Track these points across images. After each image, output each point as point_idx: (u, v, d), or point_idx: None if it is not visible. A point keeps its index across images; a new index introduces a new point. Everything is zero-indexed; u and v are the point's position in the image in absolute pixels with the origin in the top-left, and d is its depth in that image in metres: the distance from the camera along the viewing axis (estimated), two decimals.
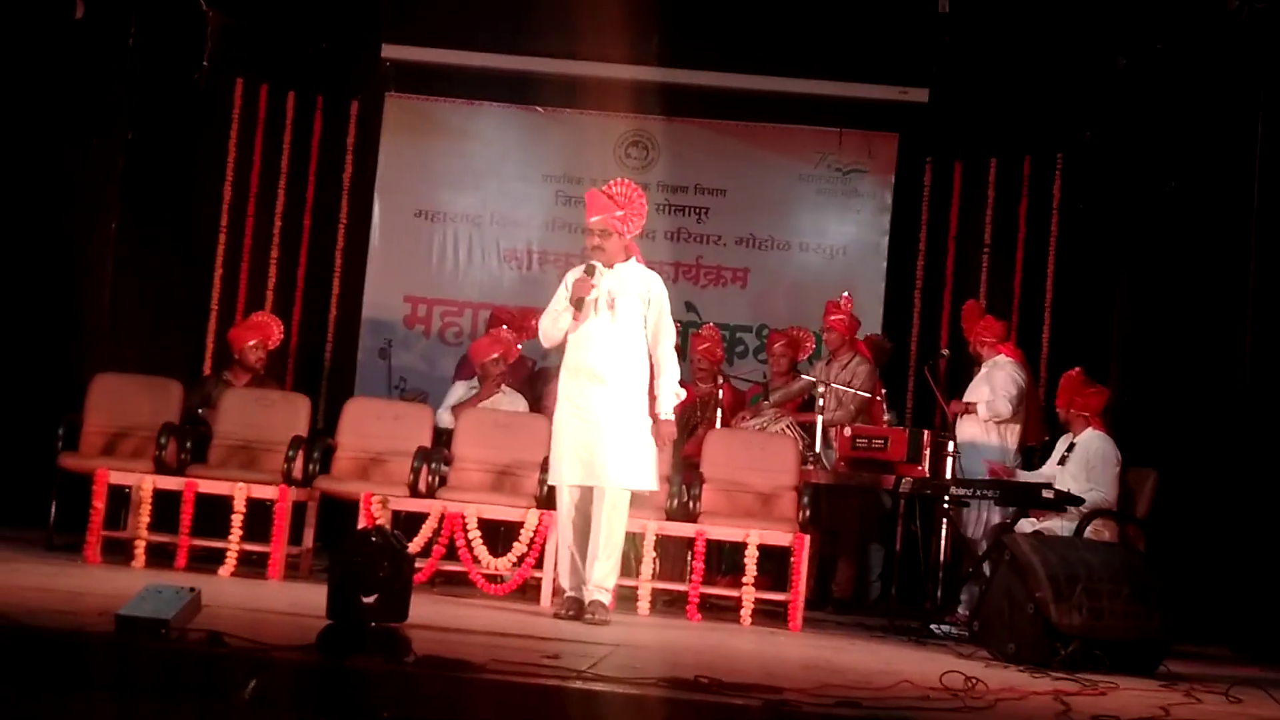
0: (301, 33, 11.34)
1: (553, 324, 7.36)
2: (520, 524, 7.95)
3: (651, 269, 7.63)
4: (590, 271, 7.31)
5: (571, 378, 7.31)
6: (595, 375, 7.25)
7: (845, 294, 9.78)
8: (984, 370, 9.27)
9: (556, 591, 7.88)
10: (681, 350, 10.58)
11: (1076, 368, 8.77)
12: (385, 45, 11.20)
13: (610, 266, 7.34)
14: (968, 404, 9.10)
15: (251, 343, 9.73)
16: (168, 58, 10.73)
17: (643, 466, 7.23)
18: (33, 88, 10.15)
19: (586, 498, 7.24)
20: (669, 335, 7.41)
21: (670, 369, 7.38)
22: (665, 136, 11.48)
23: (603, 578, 7.16)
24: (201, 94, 11.02)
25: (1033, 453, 9.55)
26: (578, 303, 7.25)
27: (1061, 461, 8.55)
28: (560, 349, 7.46)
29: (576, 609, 7.11)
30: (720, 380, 9.65)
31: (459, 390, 9.66)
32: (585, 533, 7.22)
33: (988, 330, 9.21)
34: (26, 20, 10.12)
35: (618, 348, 7.29)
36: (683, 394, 7.53)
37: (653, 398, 7.34)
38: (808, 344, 10.10)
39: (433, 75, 11.44)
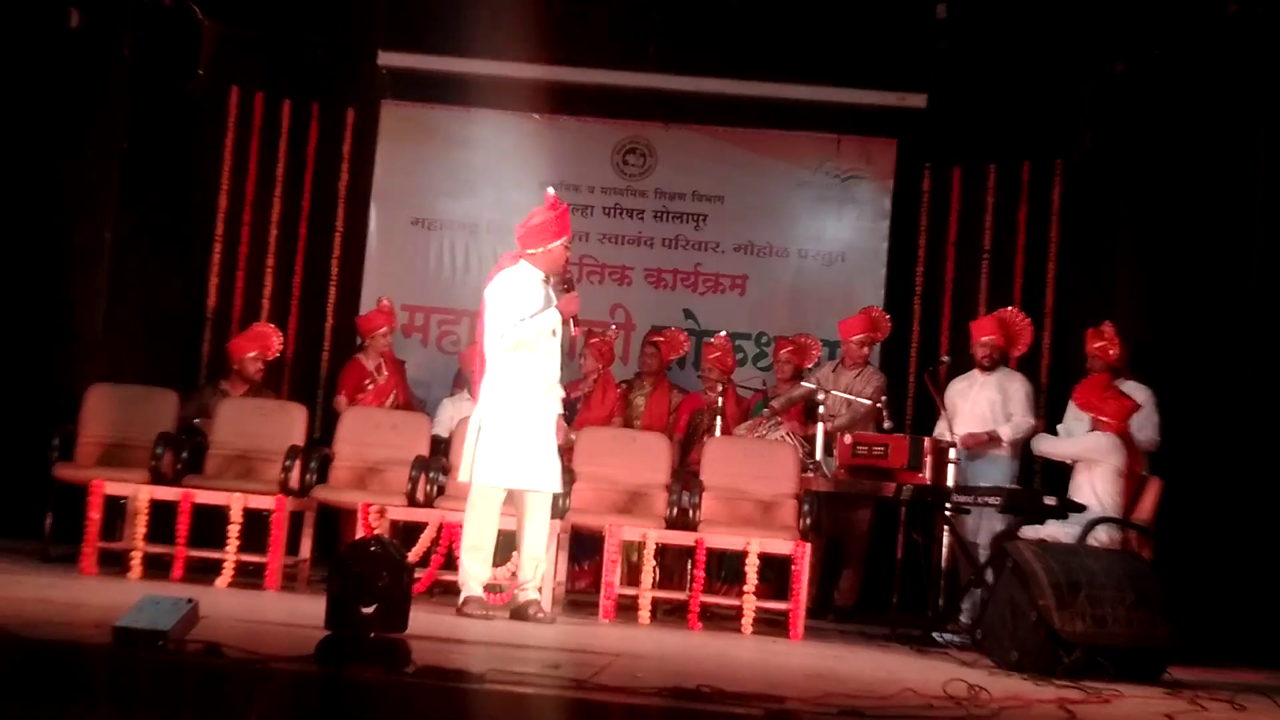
0: (297, 41, 11.31)
1: (534, 329, 7.35)
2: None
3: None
4: (570, 286, 7.47)
5: (531, 386, 7.38)
6: (553, 386, 7.47)
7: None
8: (986, 379, 9.23)
9: (555, 600, 7.89)
10: (683, 360, 10.65)
11: (1103, 374, 8.73)
12: (381, 52, 11.16)
13: None
14: (989, 434, 9.07)
15: (252, 354, 9.75)
16: (163, 67, 10.71)
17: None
18: (27, 97, 10.12)
19: (508, 499, 7.41)
20: None
21: None
22: (662, 143, 11.45)
23: (537, 577, 7.40)
24: (197, 103, 11.00)
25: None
26: (574, 318, 7.46)
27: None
28: None
29: (484, 609, 7.25)
30: (721, 389, 9.62)
31: (457, 409, 9.62)
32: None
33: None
34: (20, 30, 10.08)
35: (562, 361, 7.58)
36: None
37: None
38: (814, 351, 10.09)
39: (429, 82, 11.38)
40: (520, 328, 7.32)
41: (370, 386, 9.92)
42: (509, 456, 7.28)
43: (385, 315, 10.10)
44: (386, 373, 9.99)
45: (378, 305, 10.31)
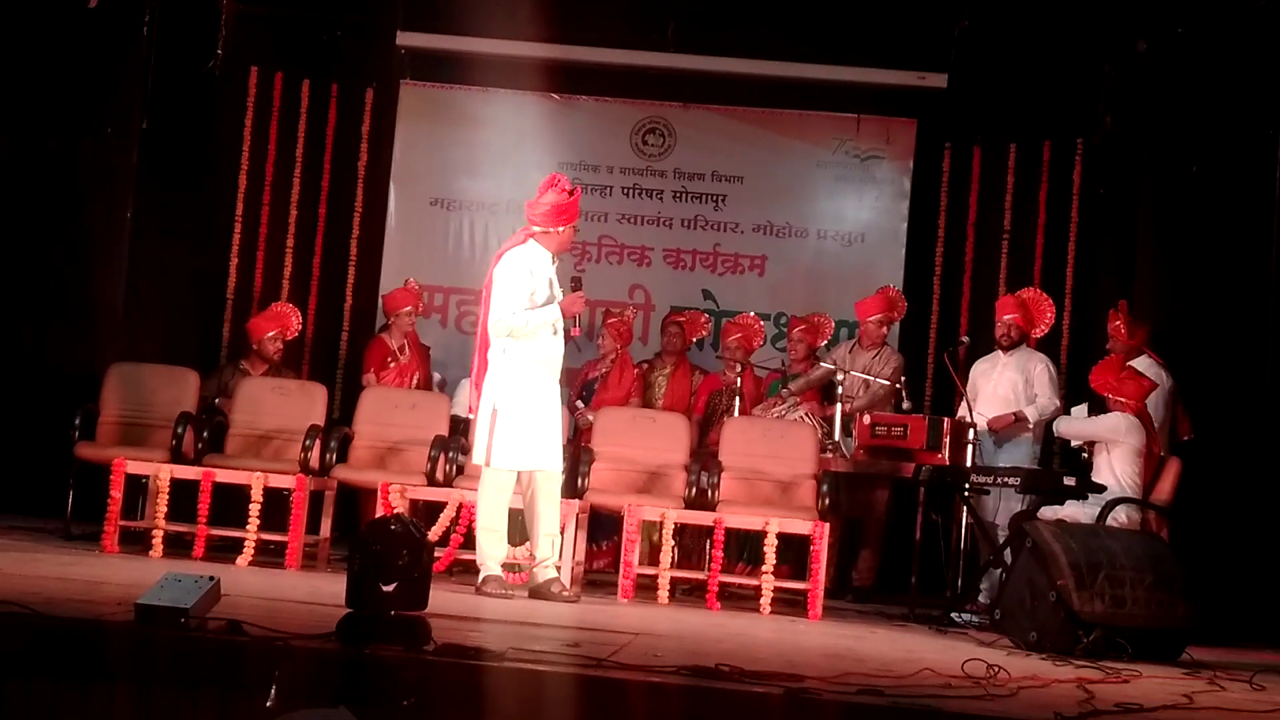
0: (316, 21, 11.31)
1: (534, 322, 7.38)
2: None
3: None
4: (578, 286, 7.54)
5: (540, 368, 7.43)
6: (557, 367, 7.54)
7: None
8: (1009, 359, 9.19)
9: (574, 579, 7.90)
10: (701, 341, 10.64)
11: (1119, 355, 8.69)
12: (400, 33, 11.14)
13: None
14: (1016, 415, 9.03)
15: (271, 333, 9.77)
16: (182, 47, 10.73)
17: None
18: (47, 78, 10.15)
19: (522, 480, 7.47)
20: None
21: None
22: (681, 123, 11.43)
23: (555, 554, 7.46)
24: (216, 83, 11.02)
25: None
26: (574, 319, 7.55)
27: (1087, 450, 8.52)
28: None
29: (503, 587, 7.31)
30: (740, 369, 9.62)
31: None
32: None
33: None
34: (40, 10, 10.11)
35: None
36: None
37: None
38: (826, 330, 10.08)
39: (448, 62, 11.39)
40: (520, 317, 7.35)
41: (393, 365, 9.93)
42: (521, 439, 7.33)
43: (411, 295, 10.10)
44: (409, 353, 10.00)
45: (404, 285, 10.30)
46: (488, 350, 7.47)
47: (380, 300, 10.58)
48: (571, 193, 7.50)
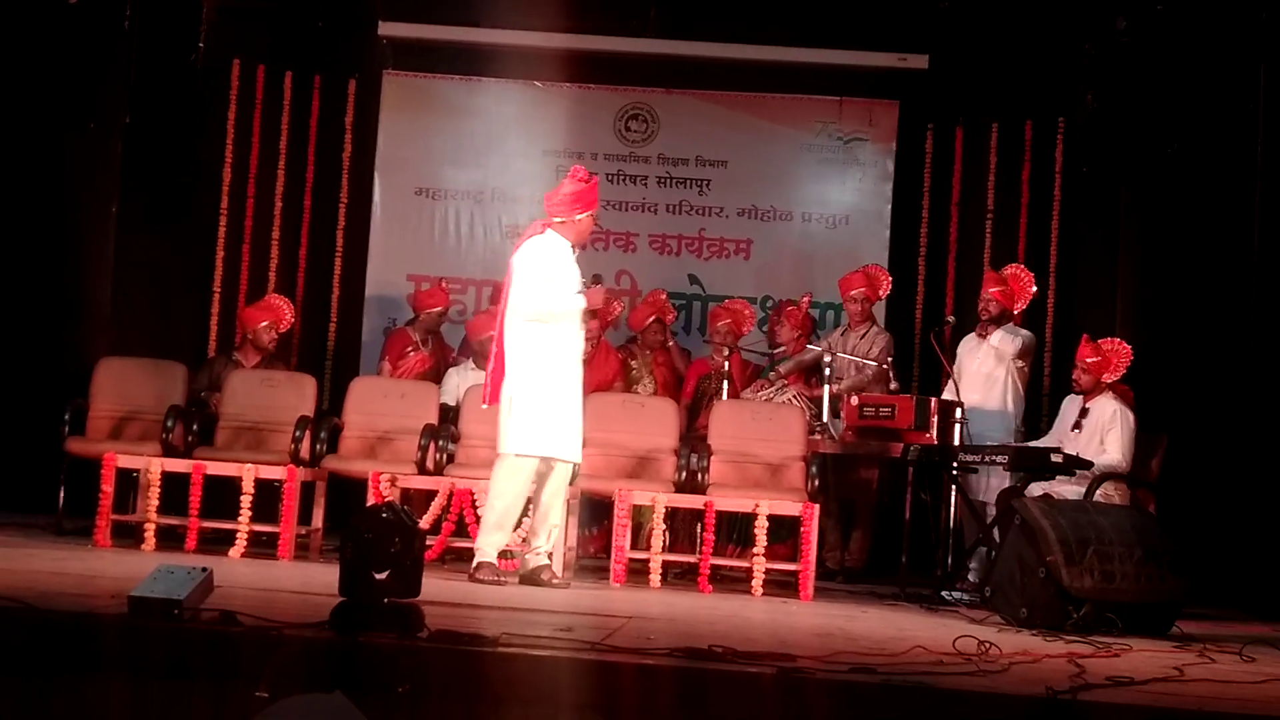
0: (297, 12, 11.29)
1: (558, 310, 7.41)
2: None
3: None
4: (598, 280, 7.57)
5: (558, 357, 7.43)
6: (577, 356, 7.55)
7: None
8: (990, 335, 9.21)
9: (566, 565, 7.93)
10: (687, 324, 10.65)
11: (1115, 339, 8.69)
12: (382, 23, 11.12)
13: None
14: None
15: (265, 323, 9.78)
16: (163, 41, 10.71)
17: None
18: (29, 74, 10.14)
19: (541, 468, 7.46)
20: None
21: None
22: (665, 109, 11.42)
23: (549, 543, 7.50)
24: (198, 76, 11.00)
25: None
26: (592, 313, 7.64)
27: (1076, 427, 8.52)
28: None
29: (496, 574, 7.31)
30: (728, 353, 9.62)
31: (460, 378, 9.62)
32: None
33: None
34: (21, 6, 10.09)
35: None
36: None
37: None
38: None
39: (430, 52, 11.37)
40: (546, 303, 7.38)
41: (412, 353, 9.97)
42: (540, 426, 7.34)
43: (443, 295, 10.19)
44: (431, 346, 10.05)
45: (439, 285, 10.38)
46: (504, 342, 7.49)
47: (414, 296, 10.48)
48: (588, 180, 7.55)
